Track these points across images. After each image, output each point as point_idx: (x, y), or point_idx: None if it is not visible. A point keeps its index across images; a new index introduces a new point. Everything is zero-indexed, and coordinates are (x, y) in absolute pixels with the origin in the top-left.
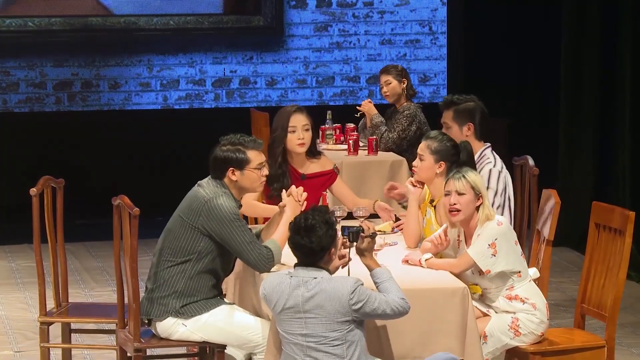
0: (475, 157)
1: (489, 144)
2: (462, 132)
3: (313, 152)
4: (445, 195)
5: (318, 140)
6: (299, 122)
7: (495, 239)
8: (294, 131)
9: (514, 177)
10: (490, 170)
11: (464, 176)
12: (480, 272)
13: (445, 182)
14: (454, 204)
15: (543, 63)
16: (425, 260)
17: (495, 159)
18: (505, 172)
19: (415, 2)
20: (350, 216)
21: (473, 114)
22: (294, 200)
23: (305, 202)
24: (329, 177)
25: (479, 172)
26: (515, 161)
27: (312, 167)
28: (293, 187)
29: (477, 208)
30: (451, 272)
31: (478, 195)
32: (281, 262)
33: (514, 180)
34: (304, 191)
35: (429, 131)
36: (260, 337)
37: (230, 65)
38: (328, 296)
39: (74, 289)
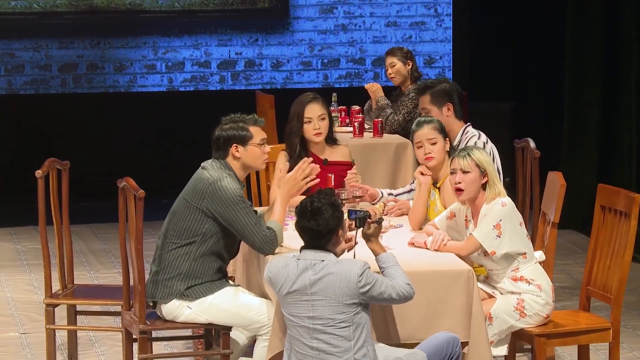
0: (459, 135)
1: (469, 123)
2: (442, 114)
3: (332, 139)
4: (451, 173)
5: None
6: (314, 112)
7: (500, 220)
8: (309, 122)
9: (515, 160)
10: (476, 142)
11: (468, 154)
12: (486, 253)
13: (451, 161)
14: (459, 182)
15: (547, 45)
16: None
17: (479, 132)
18: (492, 145)
19: None
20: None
21: (450, 94)
22: (288, 179)
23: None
24: (347, 169)
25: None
26: (516, 144)
27: (334, 155)
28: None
29: (484, 186)
30: (457, 255)
31: (483, 173)
32: (284, 245)
33: (515, 163)
34: (327, 176)
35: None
36: (266, 318)
37: (236, 47)
38: (336, 278)
39: (79, 271)
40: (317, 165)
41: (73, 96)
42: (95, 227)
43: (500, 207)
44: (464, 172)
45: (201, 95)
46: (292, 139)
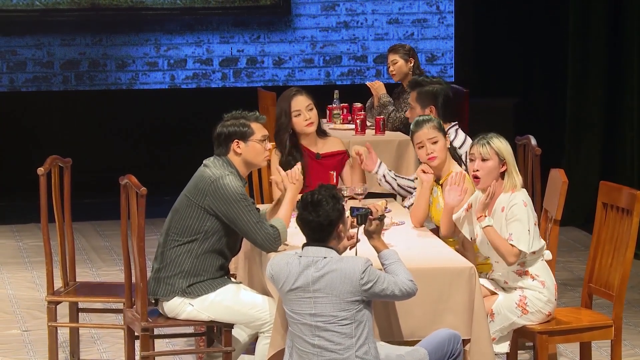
0: None
1: (454, 123)
2: (424, 114)
3: (322, 131)
4: (470, 160)
5: (325, 120)
6: (301, 104)
7: (529, 222)
8: (298, 114)
9: (517, 157)
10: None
11: (488, 142)
12: None
13: (470, 148)
14: (476, 170)
15: (550, 42)
16: (484, 227)
17: (457, 135)
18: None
19: None
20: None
21: (436, 96)
22: (292, 178)
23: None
24: (342, 158)
25: None
26: (517, 141)
27: (325, 147)
28: (295, 168)
29: (503, 175)
30: (503, 256)
31: (502, 161)
32: (286, 242)
33: (517, 160)
34: (321, 170)
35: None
36: (268, 315)
37: (238, 44)
38: (338, 276)
39: (81, 268)
40: (299, 168)
41: (75, 93)
42: (97, 224)
43: (522, 207)
44: (483, 159)
45: (203, 92)
46: (281, 136)
